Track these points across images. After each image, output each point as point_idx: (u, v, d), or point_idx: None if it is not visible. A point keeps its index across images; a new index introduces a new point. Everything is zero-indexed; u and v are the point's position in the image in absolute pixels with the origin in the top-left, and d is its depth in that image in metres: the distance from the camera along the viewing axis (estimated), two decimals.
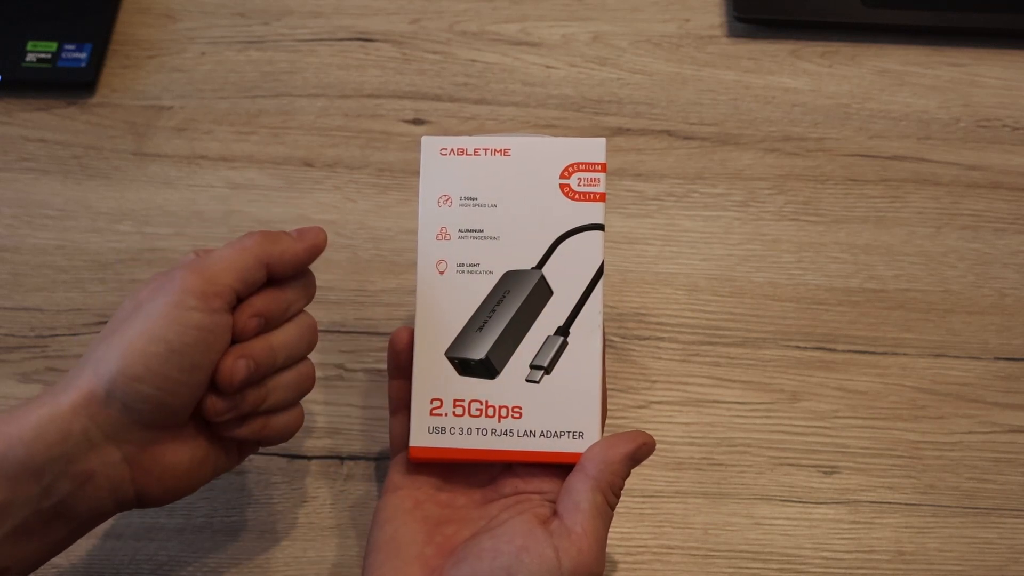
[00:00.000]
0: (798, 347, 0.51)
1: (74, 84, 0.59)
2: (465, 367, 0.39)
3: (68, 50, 0.60)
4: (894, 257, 0.54)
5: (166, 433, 0.35)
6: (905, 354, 0.51)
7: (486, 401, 0.39)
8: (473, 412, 0.39)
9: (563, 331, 0.39)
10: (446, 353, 0.39)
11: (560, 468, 0.38)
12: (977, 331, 0.51)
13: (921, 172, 0.57)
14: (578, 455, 0.37)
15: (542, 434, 0.38)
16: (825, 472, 0.47)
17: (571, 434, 0.38)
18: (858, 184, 0.56)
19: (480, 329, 0.39)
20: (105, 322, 0.52)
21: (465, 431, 0.39)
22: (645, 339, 0.51)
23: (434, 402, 0.39)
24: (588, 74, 0.61)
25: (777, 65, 0.61)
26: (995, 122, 0.58)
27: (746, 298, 0.52)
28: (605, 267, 0.53)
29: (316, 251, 0.38)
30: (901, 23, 0.61)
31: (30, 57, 0.59)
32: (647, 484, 0.47)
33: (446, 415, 0.39)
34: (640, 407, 0.49)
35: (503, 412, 0.38)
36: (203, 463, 0.37)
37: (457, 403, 0.39)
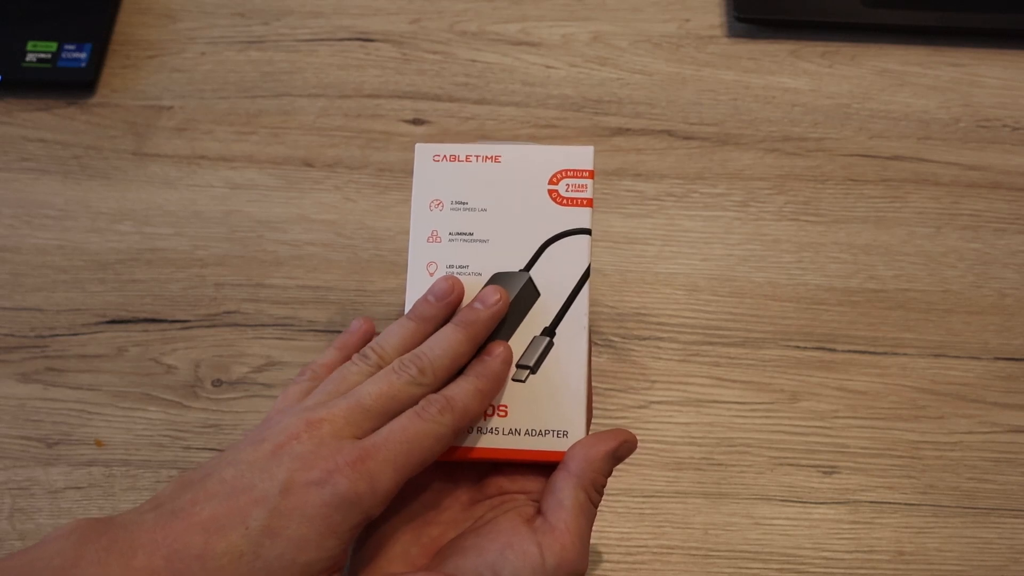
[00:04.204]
0: (798, 347, 0.51)
1: (74, 84, 0.59)
2: None
3: (68, 50, 0.60)
4: (894, 257, 0.54)
5: None
6: (905, 354, 0.51)
7: None
8: None
9: (549, 332, 0.39)
10: None
11: (545, 468, 0.38)
12: (977, 331, 0.51)
13: (921, 172, 0.57)
14: (562, 453, 0.38)
15: (527, 432, 0.39)
16: (825, 472, 0.47)
17: (556, 433, 0.39)
18: (858, 184, 0.56)
19: None
20: (105, 321, 0.52)
21: None
22: (645, 339, 0.51)
23: None
24: (588, 74, 0.61)
25: (777, 65, 0.61)
26: (995, 122, 0.58)
27: (746, 298, 0.52)
28: (605, 267, 0.53)
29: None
30: (901, 23, 0.61)
31: (30, 57, 0.59)
32: (647, 484, 0.47)
33: None
34: (640, 407, 0.49)
35: (488, 410, 0.39)
36: None
37: None
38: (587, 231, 0.40)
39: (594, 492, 0.37)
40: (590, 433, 0.39)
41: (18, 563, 0.30)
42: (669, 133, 0.58)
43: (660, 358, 0.50)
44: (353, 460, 0.32)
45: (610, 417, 0.49)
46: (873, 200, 0.56)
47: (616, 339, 0.51)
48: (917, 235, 0.54)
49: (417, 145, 0.42)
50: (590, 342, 0.40)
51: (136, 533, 0.30)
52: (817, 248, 0.54)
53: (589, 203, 0.40)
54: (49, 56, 0.59)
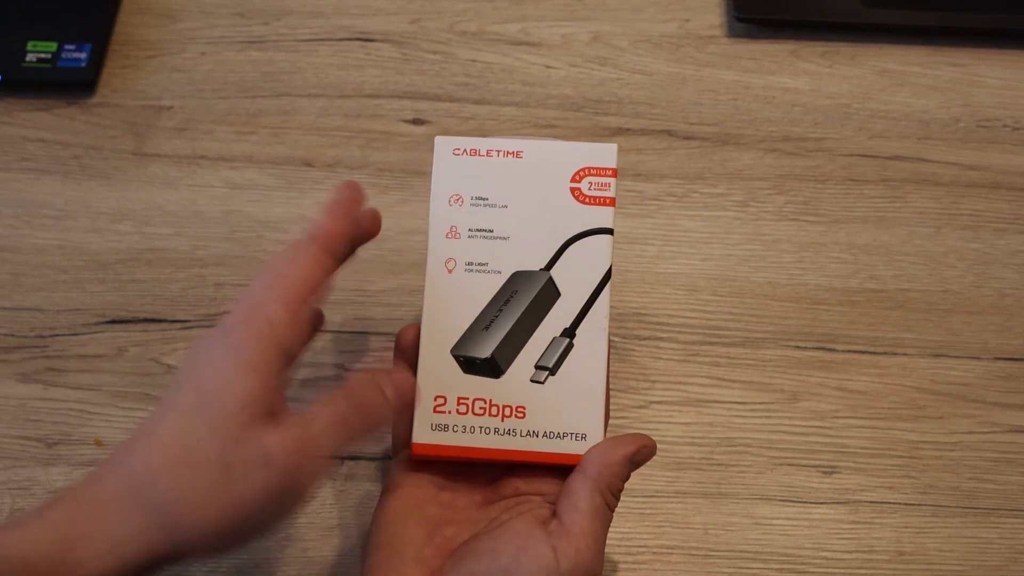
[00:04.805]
0: (798, 347, 0.51)
1: (74, 84, 0.59)
2: (470, 365, 0.39)
3: (68, 50, 0.59)
4: (894, 257, 0.54)
5: None
6: (905, 354, 0.51)
7: (490, 400, 0.39)
8: (477, 410, 0.39)
9: (569, 333, 0.39)
10: (452, 351, 0.39)
11: (561, 470, 0.38)
12: (977, 331, 0.51)
13: (921, 172, 0.57)
14: (579, 456, 0.38)
15: (545, 435, 0.38)
16: (825, 472, 0.47)
17: (574, 435, 0.38)
18: (858, 184, 0.56)
19: (487, 328, 0.39)
20: (105, 321, 0.52)
21: (468, 429, 0.39)
22: (645, 339, 0.51)
23: (438, 399, 0.39)
24: (588, 74, 0.61)
25: (777, 65, 0.61)
26: (995, 122, 0.58)
27: (746, 298, 0.52)
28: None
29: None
30: (901, 23, 0.61)
31: (30, 57, 0.59)
32: (647, 484, 0.47)
33: (449, 412, 0.39)
34: (640, 407, 0.49)
35: (506, 411, 0.38)
36: None
37: (461, 401, 0.39)
38: (609, 231, 0.40)
39: (611, 496, 0.36)
40: (607, 436, 0.38)
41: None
42: (669, 133, 0.58)
43: (660, 358, 0.50)
44: (244, 315, 0.34)
45: (610, 417, 0.48)
46: (873, 200, 0.56)
47: (616, 339, 0.51)
48: (917, 235, 0.54)
49: (437, 138, 0.41)
50: (609, 344, 0.39)
51: (101, 468, 0.33)
52: (817, 248, 0.54)
53: (612, 202, 0.40)
54: (49, 56, 0.59)
